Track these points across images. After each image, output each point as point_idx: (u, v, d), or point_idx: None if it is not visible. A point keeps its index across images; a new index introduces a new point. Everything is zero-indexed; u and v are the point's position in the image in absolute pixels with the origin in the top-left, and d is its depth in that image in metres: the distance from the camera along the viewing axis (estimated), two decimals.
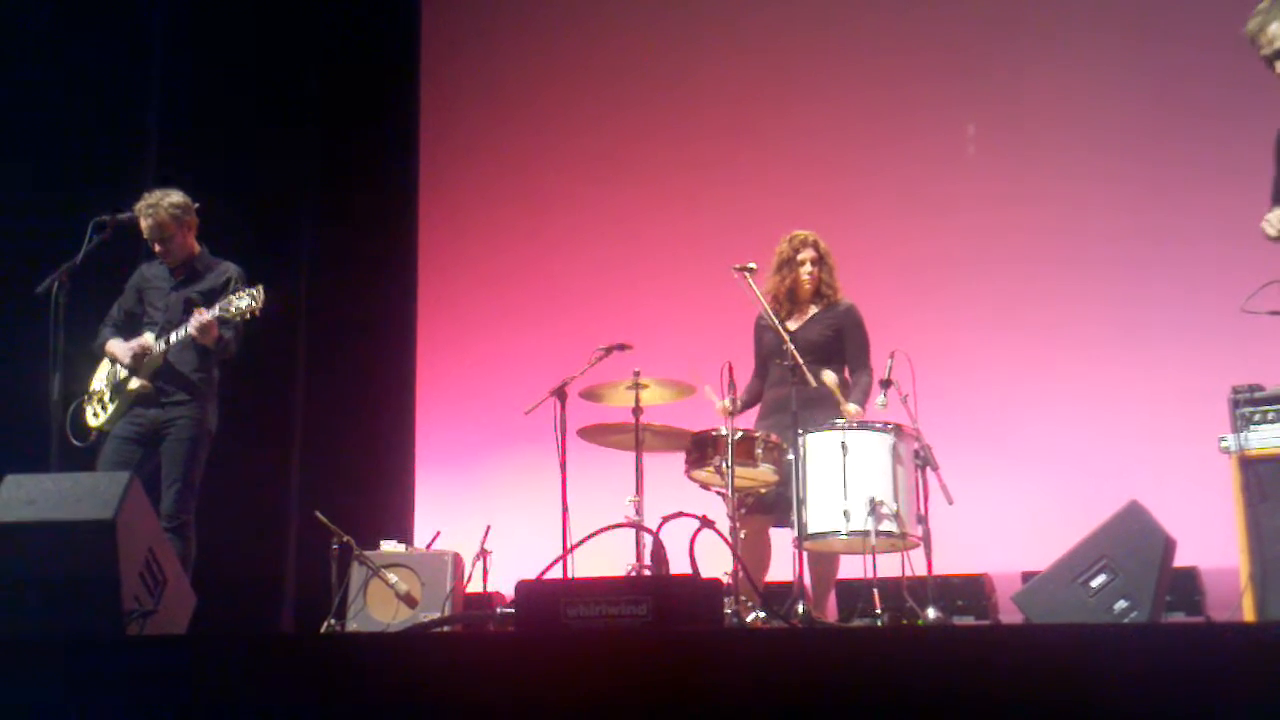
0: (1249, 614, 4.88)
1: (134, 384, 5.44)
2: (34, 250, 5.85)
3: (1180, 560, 5.05)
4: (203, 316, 5.30)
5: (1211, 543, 5.34)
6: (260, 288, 5.32)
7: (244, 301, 5.29)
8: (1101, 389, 6.61)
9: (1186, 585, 5.60)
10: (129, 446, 5.41)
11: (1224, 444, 5.17)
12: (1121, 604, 4.64)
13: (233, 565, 6.36)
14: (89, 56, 6.95)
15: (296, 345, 7.88)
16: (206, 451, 5.52)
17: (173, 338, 5.40)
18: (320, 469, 7.67)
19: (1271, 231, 4.35)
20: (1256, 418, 5.13)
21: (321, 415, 7.84)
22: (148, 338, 5.47)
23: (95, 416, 5.55)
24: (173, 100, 7.37)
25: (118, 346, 5.53)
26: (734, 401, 5.33)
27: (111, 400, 5.51)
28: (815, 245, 5.74)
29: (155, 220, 5.51)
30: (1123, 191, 6.82)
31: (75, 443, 5.44)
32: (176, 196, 5.59)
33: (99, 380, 5.62)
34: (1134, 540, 4.74)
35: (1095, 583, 4.68)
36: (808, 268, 5.70)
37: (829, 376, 5.37)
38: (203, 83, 7.40)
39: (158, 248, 5.60)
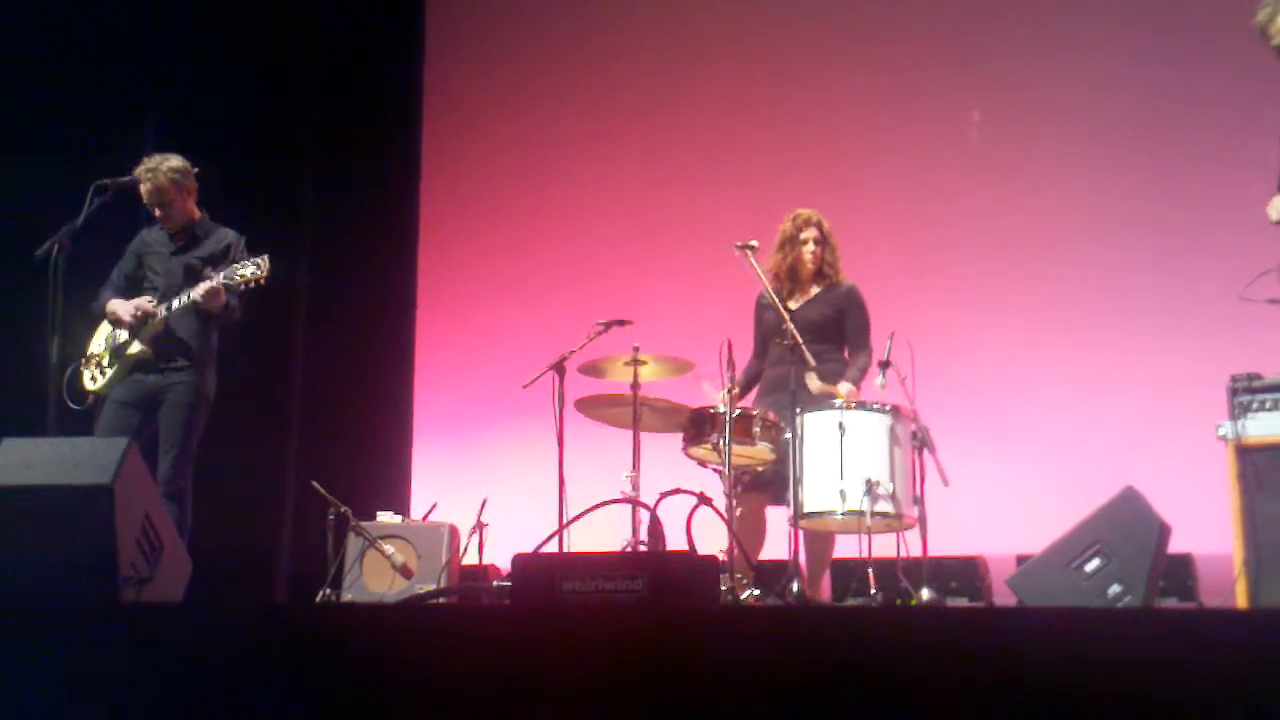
0: (1242, 601, 4.90)
1: (134, 349, 5.43)
2: (34, 214, 5.82)
3: (1174, 546, 5.07)
4: (210, 283, 5.29)
5: (1206, 530, 5.35)
6: (266, 257, 5.31)
7: (249, 270, 5.28)
8: (1100, 374, 6.62)
9: (1180, 571, 5.62)
10: (127, 411, 5.41)
11: (1221, 432, 5.18)
12: (1115, 589, 4.65)
13: (228, 533, 6.36)
14: (91, 21, 6.92)
15: (295, 314, 7.87)
16: (205, 418, 5.51)
17: (174, 303, 5.39)
18: (317, 438, 7.67)
19: (1274, 215, 4.35)
20: (1254, 406, 5.14)
21: (320, 385, 7.85)
22: (147, 299, 5.46)
23: (93, 380, 5.53)
24: (174, 68, 7.35)
25: (118, 305, 5.51)
26: (732, 378, 5.32)
27: (110, 364, 5.50)
28: (819, 225, 5.73)
29: (154, 184, 5.50)
30: (1123, 179, 6.81)
31: (72, 406, 5.43)
32: (176, 161, 5.57)
33: (97, 343, 5.61)
34: (1129, 526, 4.75)
35: (1089, 567, 4.70)
36: (810, 246, 5.69)
37: (814, 383, 5.37)
38: (204, 50, 7.37)
39: (157, 212, 5.59)
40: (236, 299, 5.46)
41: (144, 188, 5.51)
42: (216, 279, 5.30)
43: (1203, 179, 6.46)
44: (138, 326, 5.42)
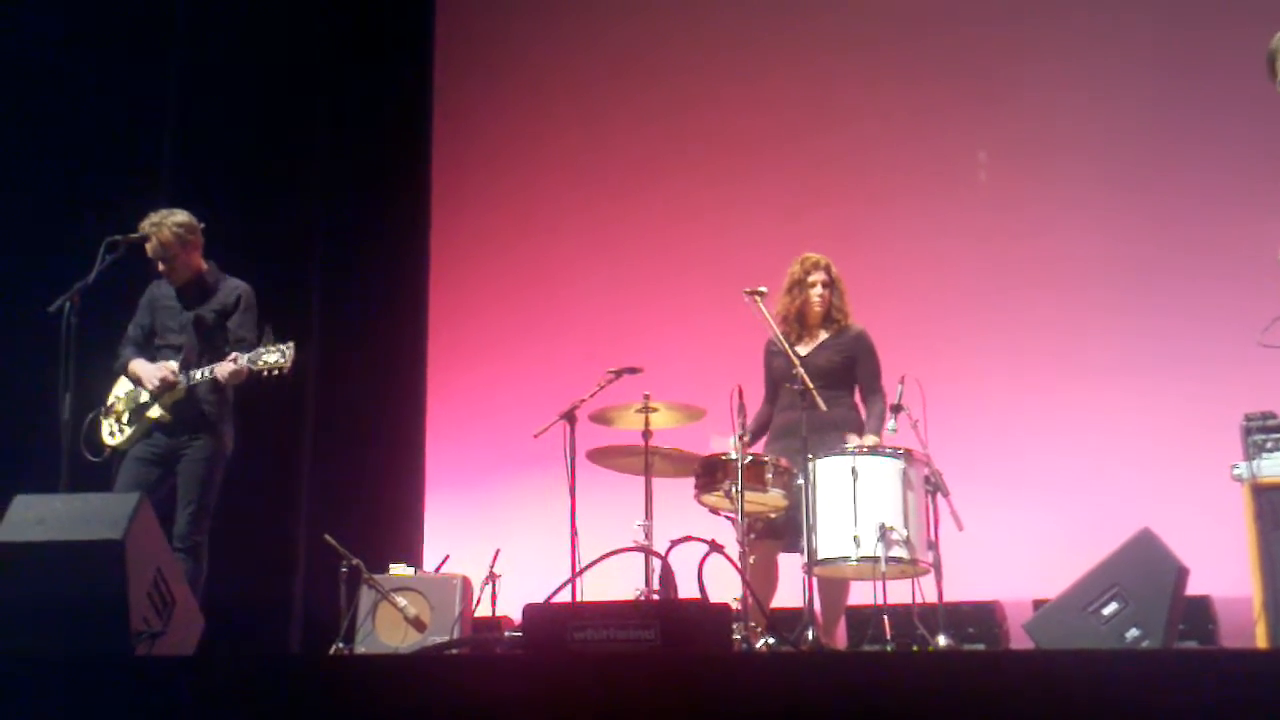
0: (1262, 643, 4.86)
1: (154, 412, 5.46)
2: (46, 270, 5.86)
3: (1193, 589, 5.03)
4: (235, 366, 5.30)
5: (1224, 571, 5.31)
6: (291, 345, 5.30)
7: (273, 357, 5.29)
8: (1113, 416, 6.59)
9: (1199, 614, 5.56)
10: (145, 468, 5.43)
11: (1236, 472, 5.15)
12: (1133, 632, 4.61)
13: (241, 588, 6.35)
14: (101, 73, 7.00)
15: (307, 367, 7.88)
16: (222, 474, 5.53)
17: (196, 375, 5.41)
18: (330, 492, 7.67)
19: None
20: (1269, 445, 5.11)
21: (331, 438, 7.85)
22: (172, 365, 5.47)
23: (112, 435, 5.55)
24: (186, 124, 7.43)
25: (142, 368, 5.52)
26: (744, 426, 5.30)
27: (130, 422, 5.52)
28: (827, 269, 5.75)
29: (159, 240, 5.52)
30: (1134, 220, 6.81)
31: (89, 458, 5.45)
32: (181, 216, 5.59)
33: (116, 394, 5.62)
34: (1146, 568, 4.72)
35: (1107, 611, 4.66)
36: (818, 290, 5.71)
37: (854, 440, 5.38)
38: (215, 101, 7.46)
39: (161, 266, 5.61)
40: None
41: (149, 245, 5.54)
42: (242, 361, 5.30)
43: (1214, 220, 6.46)
44: (160, 392, 5.44)
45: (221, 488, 5.53)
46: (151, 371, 5.48)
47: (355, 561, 6.15)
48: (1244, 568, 5.05)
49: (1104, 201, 6.90)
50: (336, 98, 8.21)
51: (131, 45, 7.22)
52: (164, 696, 2.87)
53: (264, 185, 7.49)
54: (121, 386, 5.65)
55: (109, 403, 5.63)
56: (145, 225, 5.55)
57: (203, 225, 5.66)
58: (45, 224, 6.60)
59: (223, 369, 5.31)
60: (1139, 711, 2.29)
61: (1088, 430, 6.62)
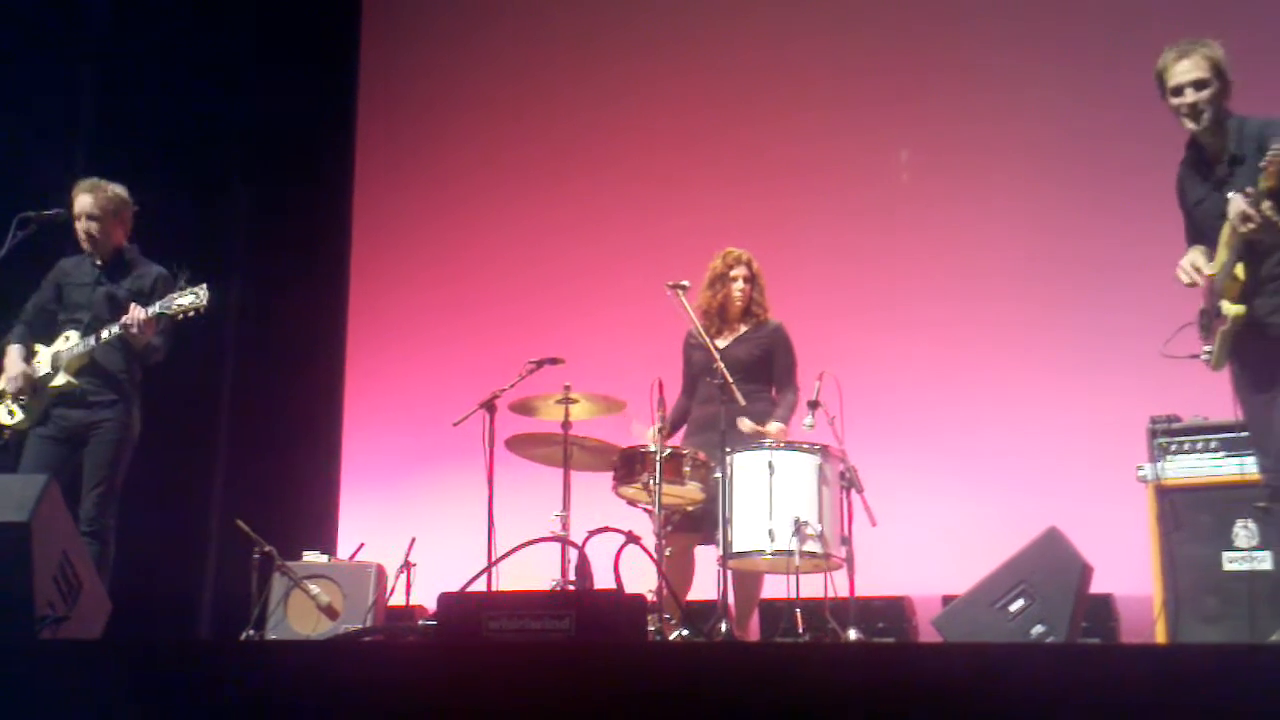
0: (1161, 639, 4.98)
1: (58, 381, 5.32)
2: None
3: (1096, 587, 5.14)
4: (141, 313, 5.19)
5: (1128, 570, 5.44)
6: (204, 286, 5.22)
7: (187, 299, 5.20)
8: (1024, 417, 6.70)
9: (1102, 612, 5.68)
10: (51, 446, 5.31)
11: (1141, 473, 5.28)
12: (1039, 629, 4.71)
13: (150, 572, 6.26)
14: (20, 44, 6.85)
15: (223, 351, 7.80)
16: (130, 456, 5.42)
17: (104, 334, 5.28)
18: (243, 476, 7.58)
19: (1185, 279, 4.45)
20: (1173, 448, 5.25)
21: (246, 422, 7.76)
22: (24, 371, 5.34)
23: (10, 415, 5.40)
24: (105, 103, 7.29)
25: (10, 363, 5.41)
26: (663, 418, 5.33)
27: (33, 397, 5.37)
28: (748, 264, 5.81)
29: (94, 201, 5.39)
30: (1049, 222, 6.90)
31: None
32: (119, 188, 5.49)
33: (10, 375, 5.47)
34: (1052, 566, 4.82)
35: (1014, 607, 4.75)
36: (739, 284, 5.76)
37: (745, 424, 5.42)
38: (128, 76, 7.32)
39: (85, 234, 5.45)
40: (162, 338, 5.38)
41: (87, 205, 5.40)
42: (150, 309, 5.21)
43: (1128, 223, 6.55)
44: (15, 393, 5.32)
45: (130, 470, 5.43)
46: (13, 367, 5.36)
47: (268, 548, 6.07)
48: (1146, 567, 5.18)
49: (1017, 205, 6.99)
50: (255, 96, 8.10)
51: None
52: (68, 682, 2.82)
53: (182, 173, 7.37)
54: (11, 370, 5.48)
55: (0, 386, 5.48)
56: (83, 184, 5.42)
57: (136, 208, 5.55)
58: None
59: (132, 318, 5.18)
60: (1042, 705, 2.34)
61: (998, 430, 6.73)
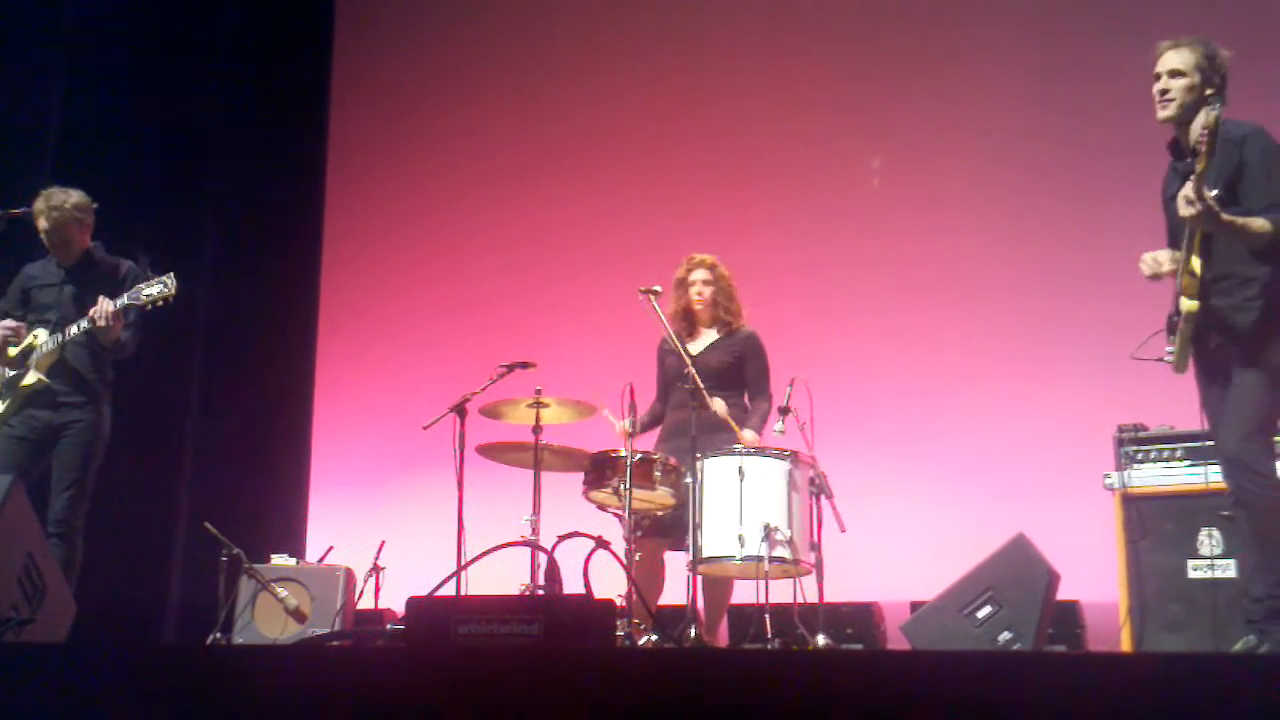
0: (1127, 646, 5.02)
1: (29, 379, 5.28)
2: None
3: (1063, 594, 5.17)
4: (109, 305, 5.16)
5: (1094, 577, 5.47)
6: (171, 275, 5.20)
7: (155, 289, 5.18)
8: (992, 425, 6.73)
9: (1068, 619, 5.72)
10: (20, 446, 5.27)
11: (1108, 481, 5.32)
12: (1006, 635, 4.74)
13: (117, 574, 6.22)
14: None
15: (192, 352, 7.75)
16: (101, 457, 5.39)
17: (72, 330, 5.25)
18: (211, 478, 7.53)
19: (1145, 270, 4.45)
20: (1139, 456, 5.29)
21: (215, 424, 7.71)
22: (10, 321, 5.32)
23: None
24: (73, 99, 7.24)
25: None
26: (634, 423, 5.34)
27: (2, 397, 5.33)
28: (712, 267, 5.82)
29: (58, 221, 5.39)
30: (1019, 230, 6.95)
31: None
32: (77, 197, 5.47)
33: None
34: (1019, 573, 4.85)
35: (981, 614, 4.78)
36: (698, 289, 5.78)
37: (719, 405, 5.44)
38: (97, 65, 7.27)
39: (50, 245, 5.46)
40: (130, 332, 5.35)
41: (44, 223, 5.40)
42: (117, 301, 5.18)
43: (1097, 230, 6.59)
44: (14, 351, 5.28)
45: (98, 471, 5.40)
46: None
47: (235, 550, 6.04)
48: (1112, 575, 5.21)
49: (986, 214, 7.03)
50: (231, 84, 8.06)
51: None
52: (32, 686, 2.80)
53: (153, 174, 7.32)
54: None
55: None
56: (41, 206, 5.40)
57: (95, 205, 5.53)
58: None
59: (98, 311, 5.16)
60: (1009, 711, 2.35)
61: (967, 438, 6.76)
